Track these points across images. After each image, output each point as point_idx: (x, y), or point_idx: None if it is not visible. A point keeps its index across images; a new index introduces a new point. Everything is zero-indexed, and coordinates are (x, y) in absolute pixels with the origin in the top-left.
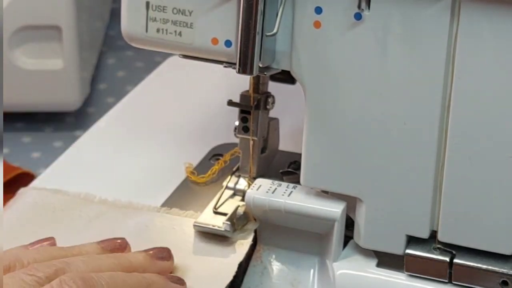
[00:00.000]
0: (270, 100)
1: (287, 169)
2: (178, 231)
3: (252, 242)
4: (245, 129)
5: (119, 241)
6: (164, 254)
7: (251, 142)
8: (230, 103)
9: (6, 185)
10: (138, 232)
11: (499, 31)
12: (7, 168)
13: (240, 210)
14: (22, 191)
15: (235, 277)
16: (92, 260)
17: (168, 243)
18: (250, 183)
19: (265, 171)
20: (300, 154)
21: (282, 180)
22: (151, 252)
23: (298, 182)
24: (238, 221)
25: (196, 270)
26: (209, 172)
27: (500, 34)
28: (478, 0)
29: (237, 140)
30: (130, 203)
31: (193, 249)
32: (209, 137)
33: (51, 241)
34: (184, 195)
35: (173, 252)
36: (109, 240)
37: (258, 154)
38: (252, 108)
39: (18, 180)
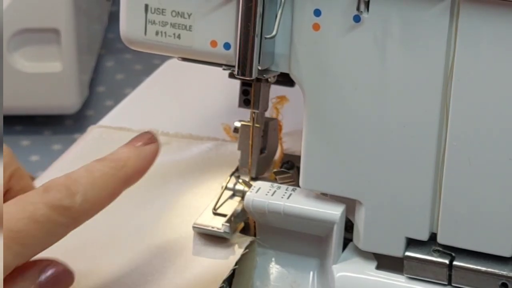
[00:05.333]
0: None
1: (281, 169)
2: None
3: (250, 243)
4: (246, 102)
5: (148, 136)
6: (147, 138)
7: (252, 125)
8: (231, 75)
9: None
10: (202, 159)
11: (499, 33)
12: None
13: (238, 208)
14: (89, 129)
15: (232, 277)
16: None
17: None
18: (245, 186)
19: (264, 172)
20: (299, 156)
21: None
22: (135, 143)
23: (291, 181)
24: (236, 218)
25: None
26: None
27: (500, 36)
28: (477, 2)
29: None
30: (191, 134)
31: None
32: None
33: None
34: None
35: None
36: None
37: (257, 154)
38: (254, 80)
39: None
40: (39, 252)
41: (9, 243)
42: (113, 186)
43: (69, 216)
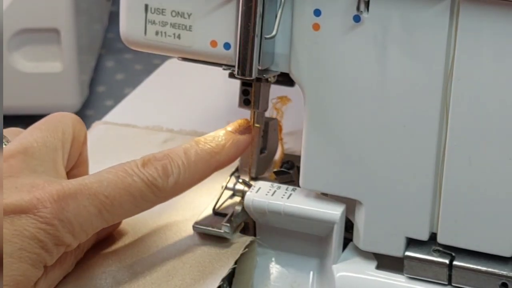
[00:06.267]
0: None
1: (281, 168)
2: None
3: (250, 243)
4: (247, 102)
5: (245, 125)
6: (243, 127)
7: (252, 113)
8: (231, 75)
9: None
10: None
11: (499, 33)
12: None
13: (238, 208)
14: (94, 125)
15: (232, 277)
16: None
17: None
18: (245, 186)
19: (264, 172)
20: (299, 156)
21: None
22: (233, 130)
23: (291, 181)
24: (236, 218)
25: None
26: None
27: (499, 36)
28: (477, 2)
29: None
30: (195, 131)
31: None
32: None
33: None
34: None
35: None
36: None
37: (257, 154)
38: (254, 80)
39: None
40: (119, 221)
41: (102, 209)
42: (203, 171)
43: (159, 195)
